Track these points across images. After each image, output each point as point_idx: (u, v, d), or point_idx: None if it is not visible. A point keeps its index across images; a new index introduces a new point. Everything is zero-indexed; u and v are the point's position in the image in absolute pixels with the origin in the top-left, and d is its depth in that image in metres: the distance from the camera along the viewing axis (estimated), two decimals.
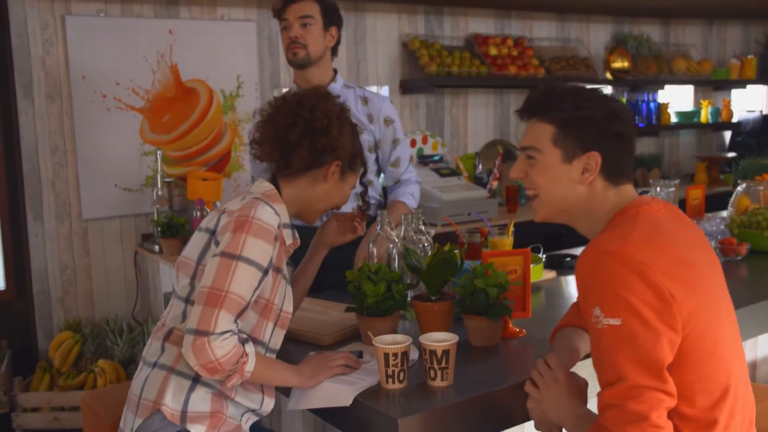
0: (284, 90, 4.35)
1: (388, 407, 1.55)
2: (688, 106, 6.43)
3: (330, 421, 1.76)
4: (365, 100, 2.70)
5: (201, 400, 1.68)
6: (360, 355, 1.81)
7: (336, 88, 2.68)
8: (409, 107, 4.87)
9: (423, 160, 4.78)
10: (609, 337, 1.40)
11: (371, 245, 2.21)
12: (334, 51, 2.72)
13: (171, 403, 1.67)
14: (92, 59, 3.75)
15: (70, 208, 3.79)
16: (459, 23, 5.02)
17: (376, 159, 2.75)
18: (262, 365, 1.68)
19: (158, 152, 3.81)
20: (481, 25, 5.11)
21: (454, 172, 4.66)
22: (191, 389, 1.68)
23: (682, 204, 3.23)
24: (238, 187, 4.23)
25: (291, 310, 1.81)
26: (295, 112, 1.81)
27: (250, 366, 1.63)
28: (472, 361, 1.80)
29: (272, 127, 1.83)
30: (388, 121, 2.70)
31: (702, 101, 6.28)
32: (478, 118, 5.19)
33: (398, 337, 1.68)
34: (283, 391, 1.88)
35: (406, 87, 4.77)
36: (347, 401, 1.61)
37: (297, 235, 1.82)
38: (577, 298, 1.62)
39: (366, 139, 2.66)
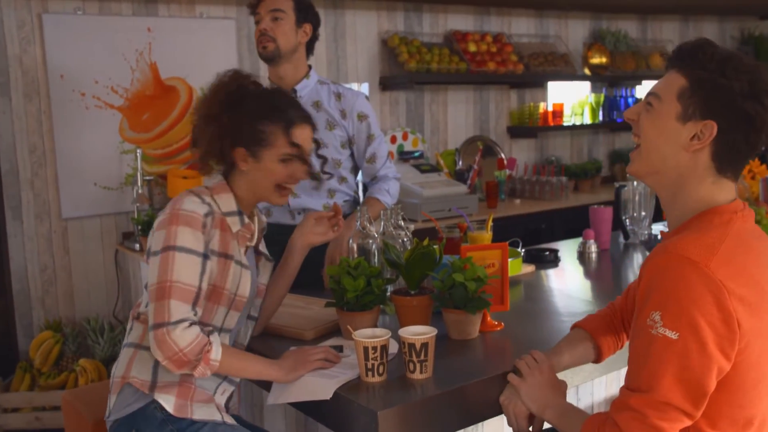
0: None
1: (368, 400, 1.57)
2: None
3: (311, 414, 1.78)
4: (339, 96, 2.69)
5: (168, 369, 1.70)
6: (340, 349, 1.83)
7: (309, 84, 2.69)
8: (389, 104, 4.88)
9: (403, 156, 4.80)
10: (661, 346, 1.34)
11: (350, 240, 2.23)
12: (310, 49, 2.72)
13: (139, 375, 1.75)
14: (70, 57, 3.73)
15: (50, 208, 3.77)
16: (438, 20, 5.04)
17: (351, 155, 2.74)
18: (232, 356, 1.72)
19: (138, 150, 3.80)
20: (460, 21, 5.14)
21: (435, 168, 4.69)
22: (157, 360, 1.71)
23: (659, 198, 3.26)
24: None
25: (246, 294, 1.84)
26: (193, 114, 1.90)
27: (215, 354, 1.67)
28: (451, 354, 1.82)
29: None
30: (361, 117, 2.69)
31: None
32: (458, 115, 5.21)
33: (378, 330, 1.70)
34: (264, 386, 1.89)
35: (386, 84, 4.79)
36: (327, 395, 1.62)
37: (246, 220, 1.84)
38: (634, 291, 1.52)
39: (338, 134, 2.67)
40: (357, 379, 1.67)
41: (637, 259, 2.92)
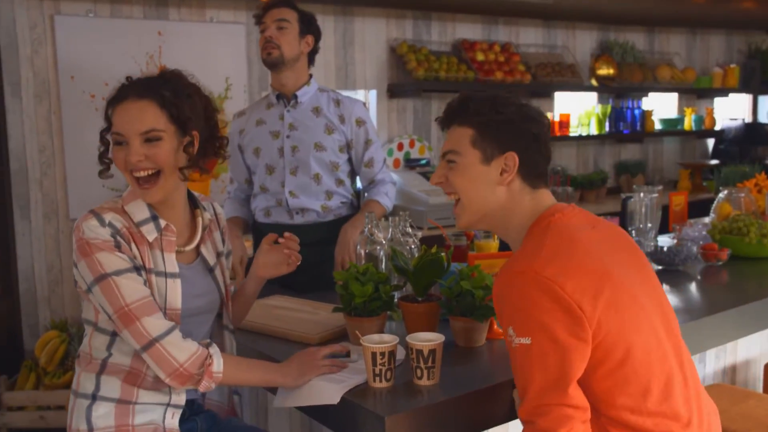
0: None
1: (375, 405, 1.58)
2: (672, 113, 6.50)
3: (317, 419, 1.79)
4: (338, 103, 2.77)
5: (104, 415, 1.65)
6: (347, 354, 1.84)
7: (310, 91, 2.76)
8: (396, 111, 4.90)
9: (410, 163, 4.82)
10: (521, 355, 1.46)
11: (358, 246, 2.24)
12: (311, 60, 2.80)
13: (78, 425, 1.67)
14: (81, 59, 3.76)
15: (58, 208, 3.79)
16: (447, 28, 5.06)
17: (349, 159, 2.80)
18: (234, 366, 1.68)
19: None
20: (469, 30, 5.16)
21: None
22: (90, 406, 1.66)
23: (666, 210, 3.28)
24: (226, 189, 4.24)
25: (177, 306, 1.69)
26: None
27: (216, 366, 1.63)
28: (458, 361, 1.83)
29: None
30: (359, 122, 2.75)
31: (686, 109, 6.36)
32: None
33: (385, 336, 1.71)
34: (270, 389, 1.90)
35: (394, 91, 4.80)
36: (335, 399, 1.63)
37: (163, 223, 1.70)
38: None
39: (337, 138, 2.72)
40: (364, 384, 1.68)
41: None
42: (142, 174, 1.66)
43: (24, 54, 3.65)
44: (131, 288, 1.60)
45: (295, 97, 2.72)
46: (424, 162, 4.84)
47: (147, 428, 1.68)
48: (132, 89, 1.66)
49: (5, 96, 3.62)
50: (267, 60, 2.67)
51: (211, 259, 1.84)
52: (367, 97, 4.82)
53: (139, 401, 1.67)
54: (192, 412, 1.80)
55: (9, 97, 3.63)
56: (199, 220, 1.83)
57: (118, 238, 1.63)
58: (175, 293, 1.69)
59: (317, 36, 2.77)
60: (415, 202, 4.39)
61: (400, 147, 4.87)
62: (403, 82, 4.78)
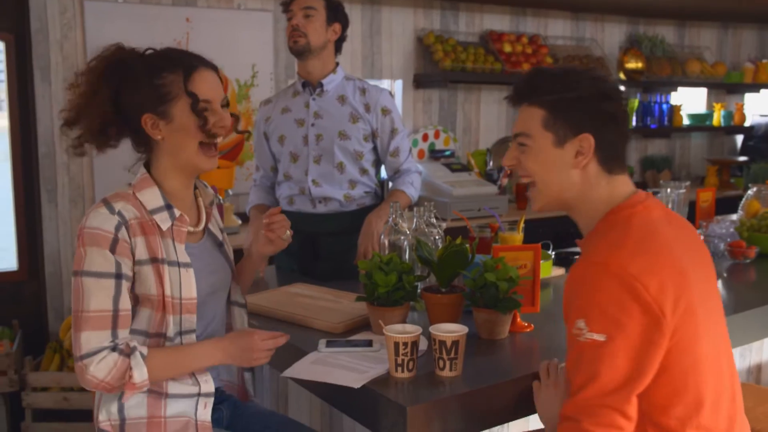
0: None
1: (397, 395, 1.58)
2: (701, 108, 6.42)
3: (338, 407, 1.79)
4: (363, 91, 2.76)
5: (136, 405, 1.64)
6: (370, 343, 1.84)
7: (336, 79, 2.75)
8: (422, 102, 4.88)
9: (434, 155, 4.80)
10: (589, 350, 1.38)
11: (382, 236, 2.24)
12: (338, 48, 2.78)
13: (107, 416, 1.65)
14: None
15: (84, 192, 3.83)
16: (474, 19, 5.03)
17: (374, 148, 2.79)
18: (163, 366, 1.62)
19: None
20: (496, 21, 5.12)
21: (465, 168, 4.68)
22: (121, 396, 1.64)
23: (693, 206, 3.24)
24: (251, 176, 4.26)
25: (193, 295, 1.69)
26: (72, 90, 1.72)
27: (138, 377, 1.57)
28: (481, 354, 1.82)
29: None
30: (385, 111, 2.74)
31: (715, 104, 6.28)
32: (491, 115, 5.20)
33: (408, 326, 1.71)
34: (277, 365, 1.89)
35: (420, 81, 4.79)
36: (356, 384, 1.63)
37: (178, 213, 1.69)
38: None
39: (362, 127, 2.72)
40: (386, 374, 1.68)
41: None
42: (221, 139, 1.72)
43: (54, 39, 3.68)
44: (96, 295, 1.56)
45: (321, 85, 2.72)
46: (448, 153, 4.82)
47: (179, 421, 1.67)
48: (198, 59, 1.72)
49: (35, 80, 3.65)
50: (293, 48, 2.67)
51: (219, 235, 1.87)
52: (393, 87, 4.80)
53: (170, 391, 1.67)
54: (216, 400, 1.78)
55: (39, 81, 3.66)
56: (200, 200, 1.83)
57: (122, 231, 1.60)
58: (189, 283, 1.68)
59: (345, 24, 2.75)
60: (440, 193, 4.38)
61: (425, 138, 4.86)
62: (429, 72, 4.76)
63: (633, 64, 5.62)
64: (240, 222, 3.97)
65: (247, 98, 4.21)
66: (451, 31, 4.91)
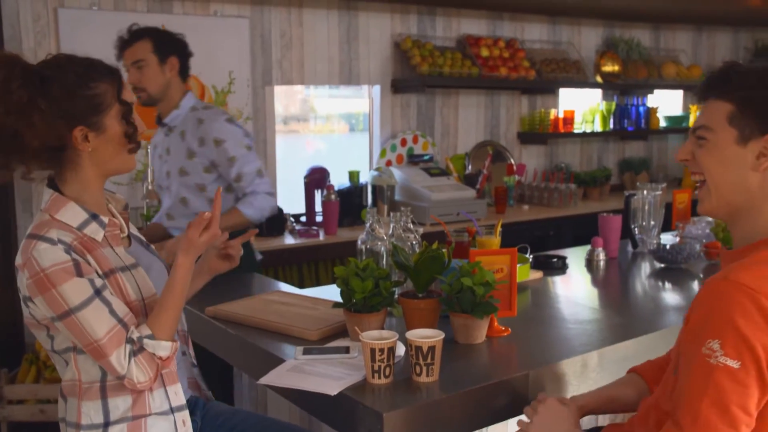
0: (275, 87, 4.38)
1: (373, 401, 1.57)
2: (677, 110, 6.48)
3: (315, 414, 1.78)
4: (200, 122, 2.72)
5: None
6: (347, 350, 1.83)
7: (180, 114, 2.77)
8: (400, 107, 4.88)
9: (413, 159, 4.81)
10: (722, 376, 1.28)
11: (359, 242, 2.23)
12: (184, 74, 2.78)
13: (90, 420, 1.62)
14: (84, 52, 3.68)
15: None
16: (451, 24, 5.05)
17: (218, 177, 2.75)
18: (168, 323, 1.61)
19: (148, 146, 3.81)
20: (473, 26, 5.14)
21: (444, 172, 4.69)
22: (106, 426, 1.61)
23: (669, 208, 3.26)
24: None
25: (153, 291, 1.69)
26: None
27: (164, 352, 1.59)
28: (458, 358, 1.82)
29: None
30: (218, 142, 2.70)
31: (691, 106, 6.33)
32: (469, 119, 5.21)
33: (385, 332, 1.70)
34: (254, 373, 1.87)
35: (398, 86, 4.79)
36: (333, 391, 1.62)
37: (106, 219, 1.66)
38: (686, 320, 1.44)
39: (199, 161, 2.72)
40: (363, 381, 1.67)
41: (645, 268, 2.91)
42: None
43: (27, 46, 3.64)
44: (97, 320, 1.53)
45: (164, 124, 2.79)
46: (427, 158, 4.83)
47: None
48: (118, 70, 1.73)
49: None
50: (140, 103, 2.67)
51: (142, 237, 1.86)
52: (371, 93, 4.81)
53: (152, 412, 1.65)
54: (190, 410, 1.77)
55: None
56: (111, 206, 1.77)
57: (73, 254, 1.55)
58: (145, 281, 1.69)
59: (181, 51, 2.74)
60: (418, 197, 4.38)
61: (404, 143, 4.86)
62: (407, 77, 4.76)
63: (609, 67, 5.66)
64: None
65: (224, 105, 4.19)
66: (428, 36, 4.92)
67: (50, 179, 1.67)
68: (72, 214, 1.62)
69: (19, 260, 1.57)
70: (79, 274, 1.54)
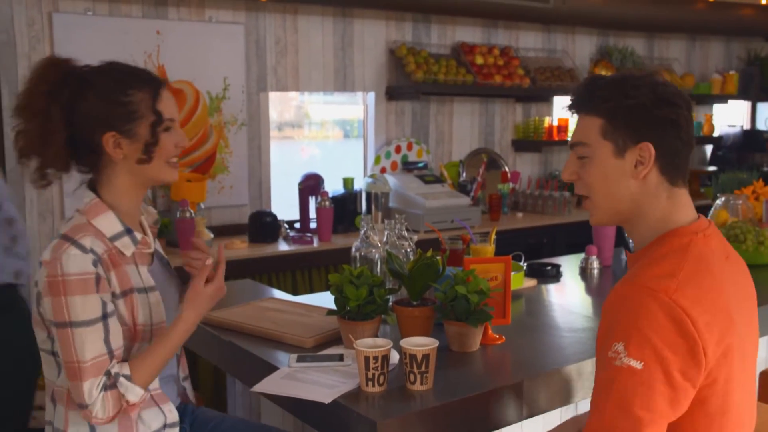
0: (270, 94, 4.37)
1: (367, 410, 1.57)
2: None
3: (309, 422, 1.78)
4: None
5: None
6: (341, 358, 1.83)
7: None
8: (394, 114, 4.89)
9: (407, 166, 4.81)
10: (626, 377, 1.30)
11: (353, 249, 2.23)
12: None
13: None
14: (79, 57, 3.71)
15: (53, 207, 3.78)
16: (446, 31, 5.06)
17: None
18: (149, 372, 1.59)
19: None
20: (468, 33, 5.15)
21: (438, 180, 4.69)
22: None
23: None
24: (222, 189, 4.23)
25: (163, 318, 1.69)
26: (18, 116, 1.65)
27: (133, 397, 1.57)
28: (452, 367, 1.82)
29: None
30: None
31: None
32: (463, 126, 5.22)
33: (379, 340, 1.70)
34: (247, 381, 1.87)
35: (392, 93, 4.79)
36: (326, 399, 1.61)
37: (139, 236, 1.67)
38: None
39: None
40: (356, 389, 1.67)
41: None
42: (177, 158, 1.73)
43: (21, 51, 3.64)
44: (89, 343, 1.53)
45: None
46: (421, 165, 4.83)
47: None
48: (158, 77, 1.72)
49: (2, 93, 3.60)
50: None
51: (164, 253, 1.86)
52: (366, 99, 4.81)
53: (139, 425, 1.64)
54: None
55: (6, 94, 3.61)
56: (143, 218, 1.79)
57: (99, 267, 1.55)
58: (158, 307, 1.68)
59: None
60: (412, 205, 4.38)
61: (398, 150, 4.86)
62: (401, 84, 4.77)
63: None
64: (212, 236, 3.94)
65: (218, 111, 4.19)
66: (423, 43, 4.93)
67: (91, 183, 1.69)
68: (108, 223, 1.62)
69: (46, 256, 1.57)
70: (97, 290, 1.54)
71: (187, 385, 1.95)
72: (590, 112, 1.49)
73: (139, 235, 1.67)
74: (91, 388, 1.53)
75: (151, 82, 1.67)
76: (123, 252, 1.63)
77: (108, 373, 1.55)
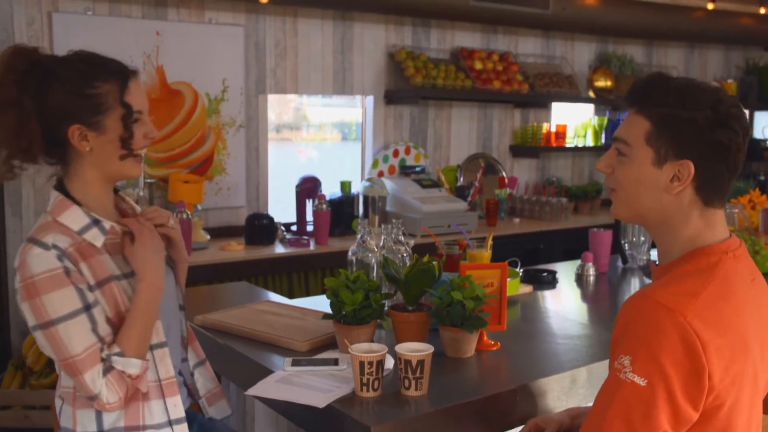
0: (268, 96, 4.38)
1: (362, 415, 1.57)
2: None
3: (303, 426, 1.78)
4: None
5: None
6: (336, 362, 1.82)
7: None
8: (393, 118, 4.89)
9: (405, 170, 4.81)
10: (628, 392, 1.29)
11: (349, 253, 2.23)
12: None
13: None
14: None
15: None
16: (446, 36, 5.06)
17: None
18: (138, 342, 1.57)
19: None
20: (468, 39, 5.16)
21: (435, 184, 4.70)
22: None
23: None
24: (220, 191, 4.23)
25: None
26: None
27: (134, 370, 1.56)
28: (447, 372, 1.82)
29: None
30: None
31: None
32: (461, 131, 5.23)
33: (374, 345, 1.70)
34: (242, 384, 1.86)
35: (391, 97, 4.80)
36: (320, 404, 1.61)
37: (108, 225, 1.62)
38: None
39: None
40: (351, 393, 1.67)
41: (635, 283, 2.92)
42: (145, 150, 1.69)
43: None
44: (76, 336, 1.51)
45: None
46: (419, 169, 4.84)
47: None
48: (127, 66, 1.65)
49: None
50: None
51: None
52: (365, 103, 4.81)
53: (147, 423, 1.62)
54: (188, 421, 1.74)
55: None
56: (123, 205, 1.75)
57: (65, 261, 1.52)
58: None
59: None
60: (409, 209, 4.38)
61: (396, 153, 4.86)
62: (400, 88, 4.77)
63: (602, 83, 5.69)
64: (209, 237, 3.94)
65: (217, 112, 4.19)
66: (422, 48, 4.94)
67: (58, 181, 1.66)
68: (74, 217, 1.59)
69: (16, 262, 1.55)
70: (69, 282, 1.52)
71: (201, 371, 1.90)
72: (641, 112, 1.42)
73: (107, 224, 1.62)
74: (94, 378, 1.52)
75: (119, 74, 1.61)
76: (93, 243, 1.59)
77: (103, 359, 1.54)
